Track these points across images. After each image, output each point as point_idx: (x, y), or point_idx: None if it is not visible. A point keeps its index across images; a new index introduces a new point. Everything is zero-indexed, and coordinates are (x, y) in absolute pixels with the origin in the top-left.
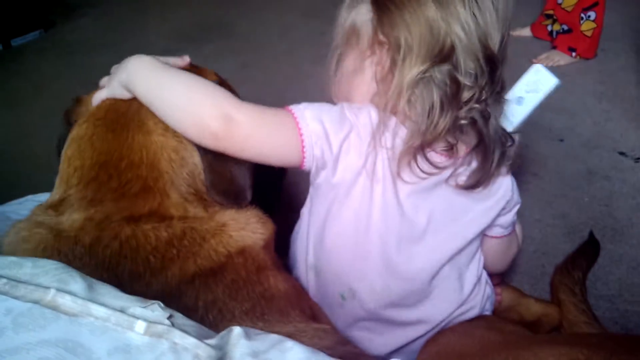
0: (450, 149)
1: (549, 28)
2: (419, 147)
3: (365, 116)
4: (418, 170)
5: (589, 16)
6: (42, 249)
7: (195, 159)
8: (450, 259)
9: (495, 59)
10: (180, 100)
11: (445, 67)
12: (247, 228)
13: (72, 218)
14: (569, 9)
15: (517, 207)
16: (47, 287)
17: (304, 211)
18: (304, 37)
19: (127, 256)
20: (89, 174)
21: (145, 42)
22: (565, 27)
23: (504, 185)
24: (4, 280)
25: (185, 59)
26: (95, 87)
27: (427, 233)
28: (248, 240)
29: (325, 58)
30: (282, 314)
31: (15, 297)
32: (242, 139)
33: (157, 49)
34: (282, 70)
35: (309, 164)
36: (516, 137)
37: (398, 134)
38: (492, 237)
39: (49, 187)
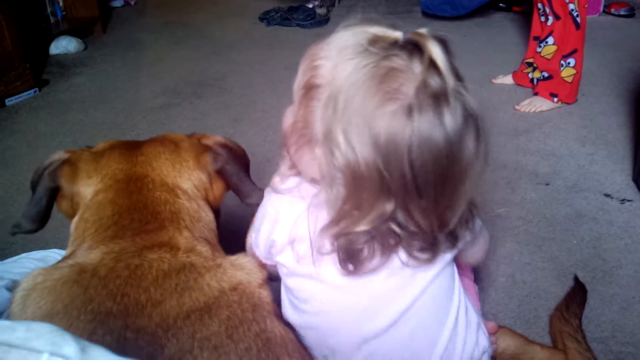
0: None
1: (530, 75)
2: None
3: None
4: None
5: (569, 63)
6: (63, 282)
7: (210, 218)
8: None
9: None
10: None
11: None
12: (241, 269)
13: (90, 256)
14: (549, 57)
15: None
16: (40, 351)
17: None
18: (291, 90)
19: (133, 285)
20: (108, 222)
21: (139, 99)
22: (546, 74)
23: None
24: None
25: None
26: (90, 143)
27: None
28: (242, 278)
29: None
30: None
31: None
32: None
33: (151, 105)
34: (272, 124)
35: None
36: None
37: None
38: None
39: (44, 245)
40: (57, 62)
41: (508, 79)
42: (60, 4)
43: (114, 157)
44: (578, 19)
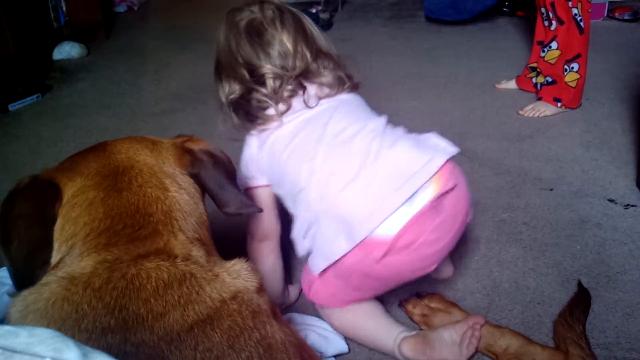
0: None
1: (534, 80)
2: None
3: None
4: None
5: (573, 67)
6: (52, 302)
7: (201, 209)
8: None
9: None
10: None
11: None
12: (238, 276)
13: (81, 265)
14: (552, 62)
15: None
16: (43, 357)
17: None
18: None
19: (131, 297)
20: (100, 226)
21: (142, 104)
22: (550, 79)
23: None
24: None
25: None
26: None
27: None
28: (240, 286)
29: None
30: None
31: None
32: None
33: (154, 111)
34: None
35: None
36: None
37: None
38: None
39: None
40: (60, 68)
41: (511, 84)
42: (64, 9)
43: (89, 158)
44: (582, 24)
